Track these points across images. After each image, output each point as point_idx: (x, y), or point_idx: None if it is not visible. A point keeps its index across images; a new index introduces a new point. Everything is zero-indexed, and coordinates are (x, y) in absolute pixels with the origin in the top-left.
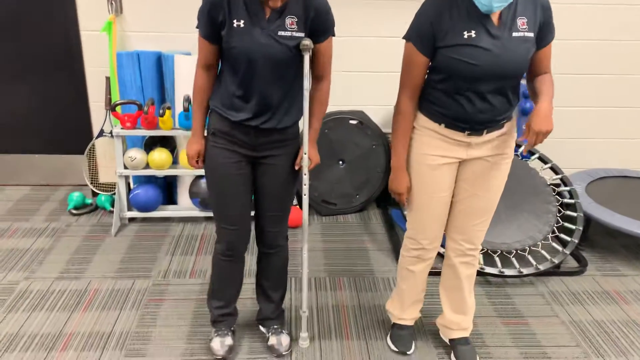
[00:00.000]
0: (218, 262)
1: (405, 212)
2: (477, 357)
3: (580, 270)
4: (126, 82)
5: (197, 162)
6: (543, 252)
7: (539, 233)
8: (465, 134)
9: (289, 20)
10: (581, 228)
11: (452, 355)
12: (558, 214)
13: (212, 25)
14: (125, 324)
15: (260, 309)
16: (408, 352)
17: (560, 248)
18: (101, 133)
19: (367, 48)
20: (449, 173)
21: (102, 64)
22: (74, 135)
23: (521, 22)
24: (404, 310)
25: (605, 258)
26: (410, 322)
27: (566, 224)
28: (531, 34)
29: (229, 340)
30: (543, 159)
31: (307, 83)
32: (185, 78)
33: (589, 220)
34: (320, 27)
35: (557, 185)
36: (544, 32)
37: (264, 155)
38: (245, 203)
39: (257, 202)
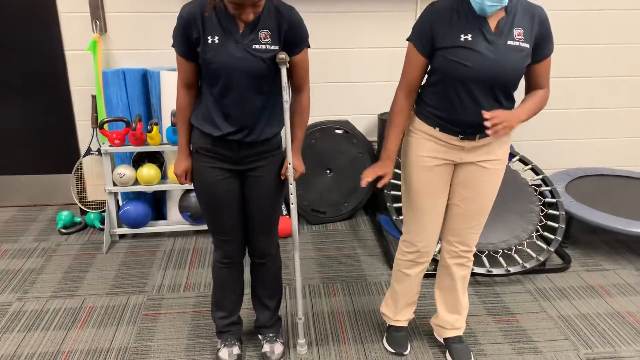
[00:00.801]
0: (217, 269)
1: (394, 218)
2: (472, 355)
3: (564, 267)
4: (112, 99)
5: (185, 179)
6: (529, 250)
7: (524, 232)
8: (459, 139)
9: (263, 34)
10: (564, 226)
11: (447, 354)
12: (541, 213)
13: (187, 43)
14: (123, 339)
15: (257, 317)
16: (404, 353)
17: (544, 246)
18: (88, 151)
19: (348, 59)
20: (444, 175)
21: (87, 83)
22: (60, 154)
23: (517, 32)
24: (397, 312)
25: (587, 254)
26: (405, 324)
27: (549, 223)
28: (527, 45)
29: (236, 350)
30: (524, 161)
31: (286, 95)
32: (172, 93)
33: (570, 218)
34: (294, 39)
35: (539, 186)
36: (541, 45)
37: (249, 168)
38: (236, 216)
39: (246, 213)
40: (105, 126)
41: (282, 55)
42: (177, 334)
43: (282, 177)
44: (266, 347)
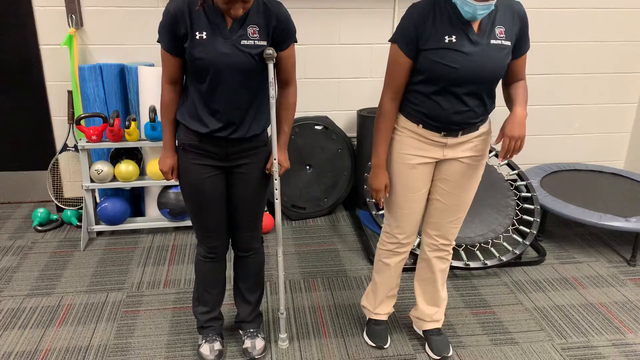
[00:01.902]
0: (200, 264)
1: (374, 213)
2: (450, 347)
3: (539, 260)
4: (89, 95)
5: (171, 175)
6: (505, 244)
7: (500, 226)
8: (442, 135)
9: (251, 30)
10: (539, 220)
11: (426, 345)
12: (517, 207)
13: (173, 39)
14: (103, 337)
15: (238, 312)
16: (384, 346)
17: (520, 239)
18: (65, 147)
19: (329, 55)
20: (425, 172)
21: (63, 78)
22: (36, 150)
23: (499, 30)
24: (377, 305)
25: (562, 247)
26: (385, 317)
27: (525, 217)
28: (508, 43)
29: (218, 345)
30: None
31: (272, 91)
32: (150, 89)
33: (545, 212)
34: (282, 35)
35: (514, 181)
36: (520, 42)
37: (235, 164)
38: (221, 212)
39: (231, 209)
40: (82, 122)
41: (270, 51)
42: (158, 330)
43: (267, 172)
44: (247, 343)
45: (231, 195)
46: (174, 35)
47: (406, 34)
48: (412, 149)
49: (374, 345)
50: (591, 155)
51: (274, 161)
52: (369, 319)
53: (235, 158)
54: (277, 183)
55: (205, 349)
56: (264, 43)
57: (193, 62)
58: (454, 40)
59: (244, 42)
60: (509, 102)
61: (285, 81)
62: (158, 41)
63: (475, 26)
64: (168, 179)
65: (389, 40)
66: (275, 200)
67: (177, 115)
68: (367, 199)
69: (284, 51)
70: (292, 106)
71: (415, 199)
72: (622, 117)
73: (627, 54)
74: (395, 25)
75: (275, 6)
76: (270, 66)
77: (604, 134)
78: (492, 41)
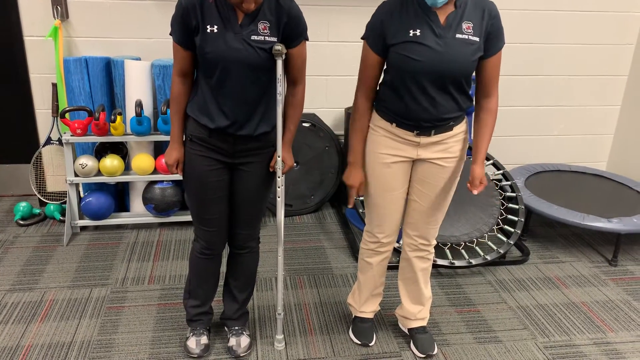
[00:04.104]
0: (196, 260)
1: (360, 210)
2: (435, 345)
3: (523, 259)
4: (74, 88)
5: (176, 169)
6: (489, 243)
7: (485, 225)
8: (415, 134)
9: (262, 25)
10: (523, 219)
11: (412, 343)
12: (501, 207)
13: (185, 31)
14: (86, 333)
15: (224, 308)
16: (370, 344)
17: (504, 239)
18: (48, 141)
19: (317, 53)
20: (401, 171)
21: (47, 70)
22: (18, 143)
23: (466, 25)
24: (363, 303)
25: (545, 247)
26: (371, 315)
27: (509, 216)
28: (476, 39)
29: (204, 340)
30: (486, 157)
31: (280, 88)
32: (136, 83)
33: (529, 212)
34: (293, 32)
35: (499, 180)
36: (491, 40)
37: (241, 162)
38: (222, 207)
39: (232, 206)
40: (67, 115)
41: (279, 47)
42: (142, 326)
43: (271, 169)
44: (232, 341)
45: (233, 192)
46: (185, 27)
47: (374, 30)
48: (387, 148)
49: (359, 342)
50: (575, 156)
51: (278, 158)
52: (355, 316)
53: (241, 156)
54: (280, 181)
55: (191, 342)
56: (274, 39)
57: (203, 55)
58: (418, 33)
59: (254, 37)
60: (475, 137)
61: (295, 79)
62: (170, 34)
63: (442, 20)
64: (172, 173)
65: (362, 38)
66: (278, 199)
67: (187, 109)
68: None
69: (294, 48)
70: (300, 105)
71: (393, 199)
72: (605, 119)
73: (611, 56)
74: None
75: (287, 3)
76: (279, 62)
77: (588, 136)
78: (458, 35)
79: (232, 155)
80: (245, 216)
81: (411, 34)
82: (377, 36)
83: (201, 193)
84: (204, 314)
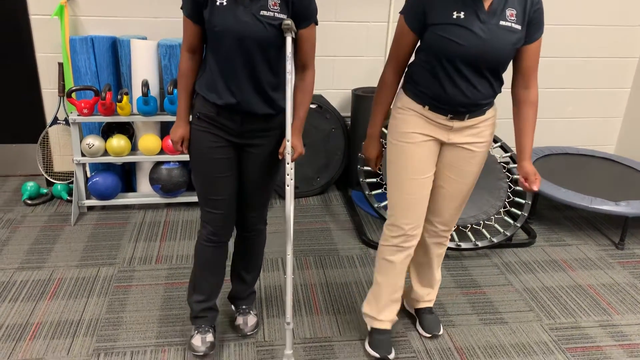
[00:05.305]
0: (201, 248)
1: (366, 192)
2: (441, 326)
3: (530, 242)
4: (80, 68)
5: (181, 146)
6: (496, 225)
7: (492, 208)
8: (448, 118)
9: (272, 1)
10: (530, 202)
11: (417, 324)
12: (509, 190)
13: (195, 5)
14: (94, 311)
15: (232, 288)
16: (389, 357)
17: (511, 221)
18: (55, 121)
19: (324, 33)
20: (431, 151)
21: (54, 50)
22: (25, 123)
23: (510, 13)
24: (381, 310)
25: (552, 230)
26: (389, 326)
27: (516, 199)
28: (518, 27)
29: (210, 337)
30: (493, 139)
31: (289, 66)
32: (142, 63)
33: (536, 195)
34: (302, 12)
35: (507, 163)
36: (532, 27)
37: (248, 143)
38: (231, 188)
39: (239, 188)
40: (74, 95)
41: (288, 22)
42: (150, 305)
43: (280, 157)
44: (239, 320)
45: (240, 174)
46: (195, 1)
47: (414, 7)
48: (418, 127)
49: (378, 356)
50: (583, 139)
51: (287, 143)
52: (372, 328)
53: (249, 136)
54: (289, 168)
55: (196, 340)
56: (284, 16)
57: (211, 29)
58: (462, 16)
59: (263, 12)
60: (517, 135)
61: (303, 64)
62: (181, 7)
63: (486, 5)
64: (177, 150)
65: (400, 12)
66: (287, 187)
67: (196, 86)
68: (361, 179)
69: (303, 30)
70: (310, 90)
71: (421, 184)
72: (614, 102)
73: (622, 38)
74: (393, 3)
75: None
76: (289, 39)
77: (596, 119)
78: (502, 22)
79: (240, 135)
80: (252, 199)
81: (455, 16)
82: (417, 13)
83: (207, 171)
84: (209, 309)
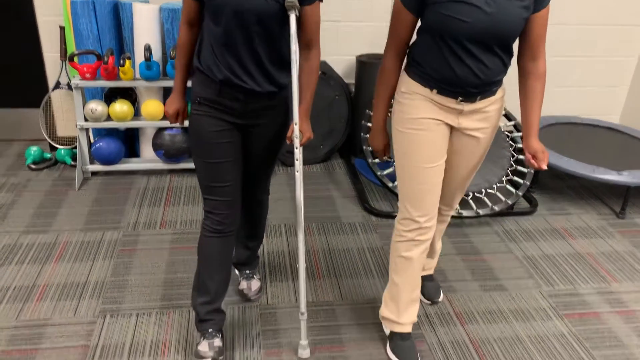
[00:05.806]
0: (206, 242)
1: (370, 160)
2: (441, 292)
3: (531, 211)
4: (82, 31)
5: (176, 119)
6: (498, 194)
7: (495, 177)
8: (458, 101)
9: None
10: (532, 171)
11: None
12: (512, 159)
13: None
14: (100, 273)
15: (235, 254)
16: None
17: (513, 190)
18: (57, 85)
19: None
20: (442, 135)
21: (55, 13)
22: (27, 88)
23: None
24: (401, 312)
25: (553, 199)
26: (409, 329)
27: (519, 168)
28: None
29: (218, 342)
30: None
31: (294, 46)
32: (145, 27)
33: None
34: None
35: (511, 132)
36: None
37: (252, 123)
38: (236, 173)
39: (243, 163)
40: (76, 59)
41: None
42: (155, 269)
43: (288, 142)
44: (243, 284)
45: (245, 154)
46: None
47: None
48: (427, 112)
49: None
50: (588, 108)
51: (295, 127)
52: (393, 332)
53: (252, 116)
54: (298, 152)
55: (203, 346)
56: None
57: (210, 2)
58: None
59: None
60: (523, 111)
61: (308, 42)
62: None
63: None
64: (171, 123)
65: None
66: (297, 173)
67: (194, 61)
68: (364, 147)
69: (308, 7)
70: (315, 71)
71: (435, 172)
72: (620, 71)
73: (629, 6)
74: None
75: None
76: (292, 17)
77: (602, 88)
78: None
79: (243, 115)
80: (256, 175)
81: None
82: None
83: (210, 156)
84: (215, 312)
